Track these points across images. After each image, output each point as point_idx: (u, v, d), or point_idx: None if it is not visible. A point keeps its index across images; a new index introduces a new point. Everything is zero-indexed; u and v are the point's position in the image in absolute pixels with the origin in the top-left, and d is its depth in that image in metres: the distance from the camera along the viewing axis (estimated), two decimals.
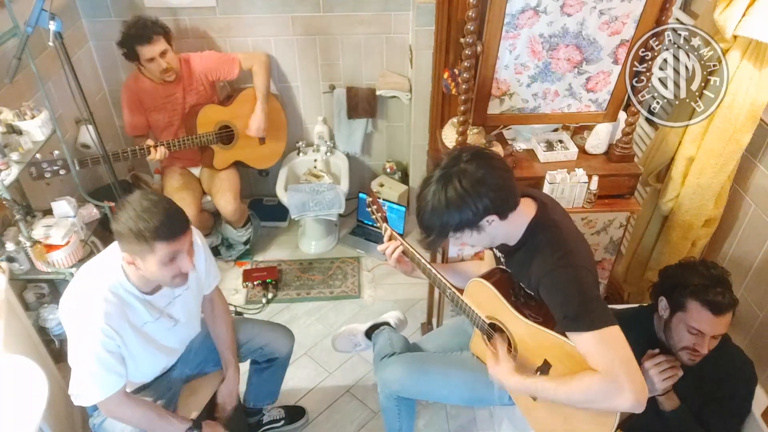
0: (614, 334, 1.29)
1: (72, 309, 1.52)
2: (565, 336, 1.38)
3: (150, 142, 2.59)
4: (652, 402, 1.43)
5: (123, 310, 1.54)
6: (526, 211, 1.45)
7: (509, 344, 1.59)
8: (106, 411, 1.63)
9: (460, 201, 1.33)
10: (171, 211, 1.48)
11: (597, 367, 1.29)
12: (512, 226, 1.43)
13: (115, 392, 1.56)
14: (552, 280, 1.38)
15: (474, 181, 1.32)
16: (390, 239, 1.74)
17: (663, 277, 1.70)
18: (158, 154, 2.57)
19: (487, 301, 1.60)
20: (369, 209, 1.86)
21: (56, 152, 2.13)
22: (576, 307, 1.32)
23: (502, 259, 1.61)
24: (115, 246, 1.58)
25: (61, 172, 2.12)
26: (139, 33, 2.53)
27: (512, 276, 1.59)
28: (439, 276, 1.68)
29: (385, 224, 1.79)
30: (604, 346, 1.29)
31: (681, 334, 1.60)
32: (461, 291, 1.68)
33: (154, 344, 1.65)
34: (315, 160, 3.30)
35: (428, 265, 1.70)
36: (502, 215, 1.38)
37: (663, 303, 1.66)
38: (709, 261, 1.65)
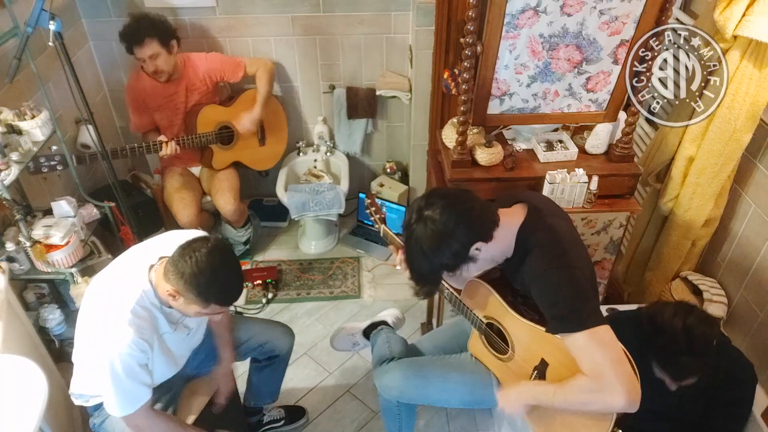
0: (603, 333, 1.29)
1: (100, 324, 1.53)
2: None
3: (163, 137, 2.61)
4: (651, 403, 1.42)
5: (152, 323, 1.56)
6: (512, 221, 1.44)
7: (506, 343, 1.59)
8: (133, 425, 1.62)
9: (436, 247, 1.34)
10: (240, 280, 1.54)
11: (586, 367, 1.30)
12: (503, 242, 1.42)
13: (144, 404, 1.57)
14: (542, 282, 1.37)
15: (439, 224, 1.33)
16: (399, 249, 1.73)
17: (642, 316, 1.60)
18: (169, 149, 2.59)
19: (485, 301, 1.60)
20: (367, 210, 1.86)
21: (54, 147, 2.12)
22: (564, 308, 1.33)
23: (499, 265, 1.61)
24: (132, 255, 1.61)
25: (59, 167, 2.12)
26: (132, 33, 2.54)
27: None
28: (443, 281, 1.69)
29: (383, 226, 1.79)
30: (594, 346, 1.29)
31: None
32: (459, 291, 1.68)
33: (168, 354, 1.67)
34: (315, 160, 3.30)
35: None
36: (486, 238, 1.37)
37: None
38: (696, 312, 1.51)
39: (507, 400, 1.57)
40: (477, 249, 1.37)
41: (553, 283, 1.35)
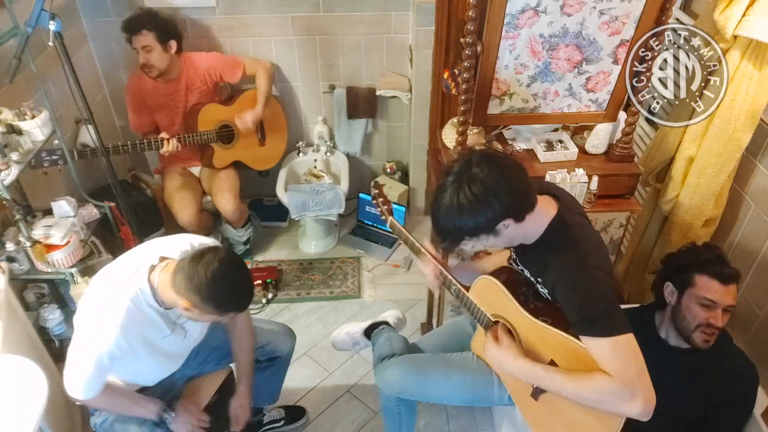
0: (629, 341, 1.29)
1: (91, 314, 1.53)
2: (575, 337, 1.37)
3: (164, 134, 2.61)
4: (657, 405, 1.42)
5: (141, 322, 1.56)
6: (546, 210, 1.42)
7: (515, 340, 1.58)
8: (81, 402, 1.64)
9: (472, 207, 1.30)
10: (251, 285, 1.58)
11: (611, 372, 1.28)
12: (530, 227, 1.41)
13: (95, 395, 1.58)
14: (571, 281, 1.36)
15: (486, 186, 1.29)
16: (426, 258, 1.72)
17: (667, 262, 1.77)
18: (171, 145, 2.59)
19: (495, 299, 1.59)
20: (375, 201, 1.85)
21: (56, 141, 2.12)
22: (594, 311, 1.31)
23: (514, 254, 1.60)
24: (135, 254, 1.61)
25: (60, 162, 2.12)
26: (132, 21, 2.58)
27: (524, 273, 1.57)
28: (449, 276, 1.69)
29: (390, 217, 1.78)
30: (620, 353, 1.28)
31: (694, 311, 1.63)
32: (467, 288, 1.68)
33: (162, 353, 1.67)
34: (315, 160, 3.30)
35: (437, 264, 1.71)
36: (518, 218, 1.35)
37: (669, 288, 1.70)
38: (709, 243, 1.73)
39: (507, 363, 1.52)
40: (504, 225, 1.34)
41: (581, 284, 1.34)
